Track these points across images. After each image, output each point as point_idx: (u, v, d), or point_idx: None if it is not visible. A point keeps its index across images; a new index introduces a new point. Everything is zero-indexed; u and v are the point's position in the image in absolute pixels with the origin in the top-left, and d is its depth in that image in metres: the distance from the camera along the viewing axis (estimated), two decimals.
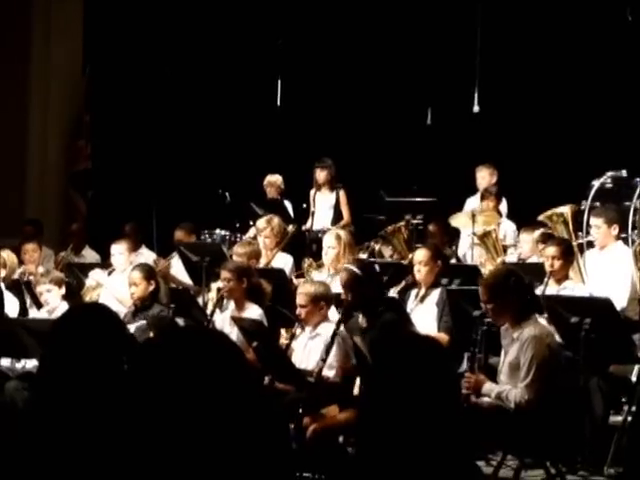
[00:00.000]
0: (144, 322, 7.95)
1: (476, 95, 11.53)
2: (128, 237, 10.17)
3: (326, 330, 7.05)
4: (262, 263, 9.32)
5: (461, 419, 2.37)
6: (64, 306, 8.19)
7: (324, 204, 11.33)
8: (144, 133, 13.26)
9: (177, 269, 9.97)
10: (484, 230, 9.70)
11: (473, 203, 10.97)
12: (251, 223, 10.91)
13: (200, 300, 8.87)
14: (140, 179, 12.96)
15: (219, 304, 7.93)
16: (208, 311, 8.30)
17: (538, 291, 7.61)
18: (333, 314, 7.44)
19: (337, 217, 11.28)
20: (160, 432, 1.86)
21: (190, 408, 1.86)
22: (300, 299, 7.11)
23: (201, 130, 13.51)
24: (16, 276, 9.83)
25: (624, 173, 8.97)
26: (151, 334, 7.62)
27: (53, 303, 8.41)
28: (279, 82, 13.11)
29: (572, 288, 7.71)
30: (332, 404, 6.68)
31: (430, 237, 10.01)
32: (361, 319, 7.16)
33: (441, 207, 10.58)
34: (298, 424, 6.44)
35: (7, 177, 12.92)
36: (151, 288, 8.21)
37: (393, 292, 8.18)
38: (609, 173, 8.97)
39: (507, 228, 10.41)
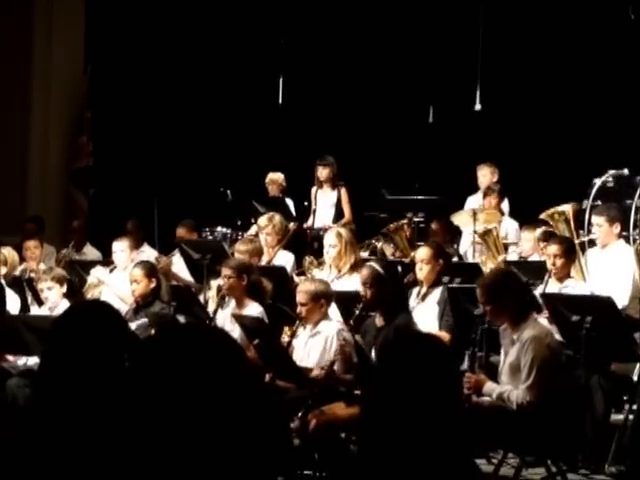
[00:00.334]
0: (145, 320, 7.95)
1: (478, 93, 11.53)
2: (130, 234, 10.17)
3: (326, 328, 7.05)
4: (264, 261, 9.33)
5: (463, 418, 2.37)
6: (65, 304, 8.17)
7: (325, 202, 11.32)
8: (146, 130, 13.26)
9: (178, 267, 9.97)
10: (485, 228, 9.70)
11: (474, 201, 10.97)
12: (252, 221, 10.91)
13: (201, 298, 8.87)
14: (142, 176, 12.96)
15: (221, 302, 7.93)
16: (209, 309, 8.30)
17: (539, 289, 7.62)
18: (334, 312, 7.45)
19: (338, 215, 11.27)
20: (161, 429, 1.86)
21: (191, 405, 1.86)
22: (300, 297, 7.10)
23: (203, 128, 13.51)
24: (17, 273, 9.83)
25: (626, 172, 8.97)
26: (152, 332, 7.62)
27: (53, 300, 8.40)
28: (281, 80, 13.11)
29: (573, 286, 7.70)
30: (340, 400, 6.66)
31: (432, 235, 10.01)
32: (378, 318, 7.13)
33: (442, 205, 10.58)
34: (303, 420, 6.42)
35: (9, 174, 12.93)
36: (152, 286, 8.21)
37: None
38: (611, 171, 8.97)
39: (508, 226, 10.42)
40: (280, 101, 13.08)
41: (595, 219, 8.30)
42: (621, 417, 7.13)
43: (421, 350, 2.40)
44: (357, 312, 7.04)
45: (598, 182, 8.92)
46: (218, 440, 1.87)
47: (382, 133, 12.76)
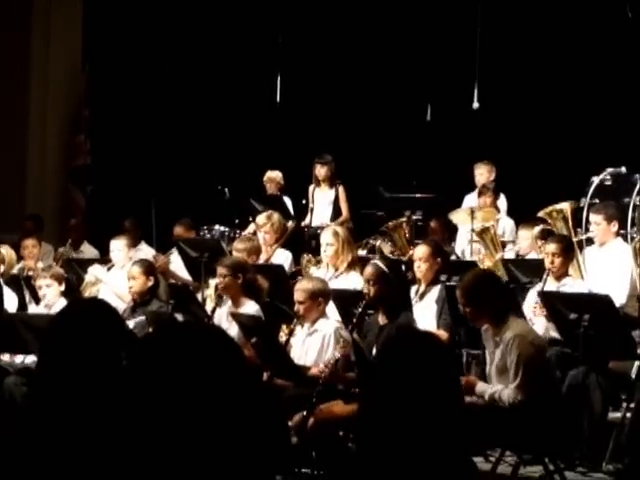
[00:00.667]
0: (143, 318, 7.95)
1: (476, 92, 11.53)
2: (127, 233, 10.16)
3: (324, 326, 7.05)
4: (262, 259, 9.32)
5: (461, 416, 2.37)
6: (62, 302, 8.18)
7: (323, 200, 11.32)
8: (143, 129, 13.26)
9: (176, 265, 9.96)
10: (483, 226, 9.70)
11: (472, 200, 10.98)
12: (250, 219, 10.91)
13: (199, 296, 8.87)
14: (139, 175, 12.95)
15: (219, 300, 7.92)
16: (207, 307, 8.30)
17: (537, 287, 7.63)
18: (331, 310, 7.44)
19: (336, 213, 11.26)
20: (158, 427, 1.86)
21: (188, 403, 1.86)
22: (298, 295, 7.10)
23: (201, 126, 13.51)
24: (15, 271, 9.83)
25: (623, 170, 8.98)
26: (150, 330, 7.62)
27: (51, 298, 8.40)
28: (279, 78, 13.10)
29: (571, 285, 7.71)
30: (338, 398, 6.66)
31: (431, 234, 10.01)
32: (380, 316, 7.13)
33: (440, 203, 10.58)
34: (307, 417, 6.41)
35: (7, 173, 12.91)
36: (150, 284, 8.21)
37: None
38: (608, 170, 8.98)
39: (506, 224, 10.43)
40: (278, 99, 13.07)
41: (593, 217, 8.31)
42: (619, 415, 7.13)
43: (420, 348, 2.40)
44: (359, 310, 7.03)
45: (596, 180, 8.92)
46: (216, 438, 1.87)
47: (380, 131, 12.75)
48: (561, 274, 7.73)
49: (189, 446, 1.85)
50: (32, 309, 8.89)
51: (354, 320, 7.04)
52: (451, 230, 10.59)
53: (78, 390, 2.61)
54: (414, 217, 10.39)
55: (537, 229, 8.91)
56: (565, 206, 8.84)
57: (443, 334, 7.37)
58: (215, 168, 12.93)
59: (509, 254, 9.46)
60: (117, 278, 9.06)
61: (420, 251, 7.98)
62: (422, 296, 7.86)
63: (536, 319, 7.38)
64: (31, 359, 7.78)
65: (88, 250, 11.18)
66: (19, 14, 13.02)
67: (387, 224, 10.19)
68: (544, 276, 7.65)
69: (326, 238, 8.62)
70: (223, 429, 1.87)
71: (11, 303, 8.81)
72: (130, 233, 10.25)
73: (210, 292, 8.68)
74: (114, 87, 13.44)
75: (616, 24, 11.09)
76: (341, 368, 6.79)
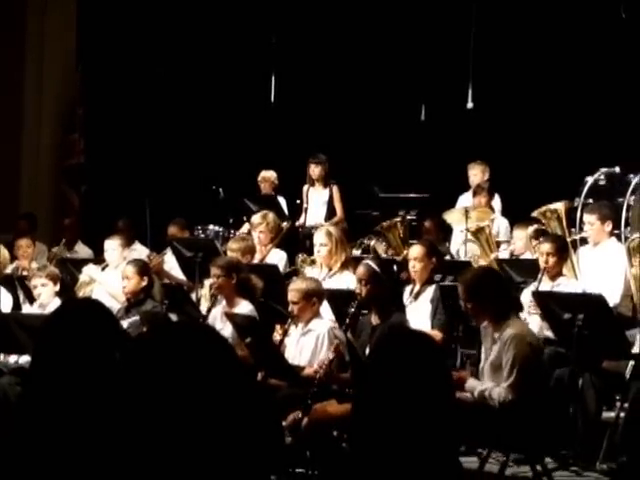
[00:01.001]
0: (137, 318, 7.94)
1: (470, 91, 11.54)
2: (121, 232, 10.15)
3: (318, 326, 7.06)
4: (256, 259, 9.32)
5: (454, 417, 2.37)
6: (57, 302, 8.18)
7: (317, 200, 11.32)
8: (138, 128, 13.25)
9: (170, 265, 9.96)
10: (477, 226, 9.71)
11: (466, 200, 10.98)
12: (245, 219, 10.90)
13: (194, 296, 8.86)
14: (133, 174, 12.95)
15: (213, 300, 7.92)
16: (202, 307, 8.29)
17: (532, 287, 7.63)
18: (325, 310, 7.45)
19: (330, 213, 11.26)
20: (153, 427, 1.86)
21: (182, 403, 1.86)
22: (292, 295, 7.10)
23: (195, 126, 13.50)
24: (9, 271, 9.82)
25: (617, 170, 8.98)
26: (144, 330, 7.61)
27: (45, 298, 8.40)
28: (273, 78, 13.11)
29: (565, 284, 7.71)
30: (332, 398, 6.66)
31: (425, 233, 10.02)
32: (373, 316, 7.14)
33: (434, 203, 10.59)
34: (301, 417, 6.41)
35: (0, 172, 12.90)
36: (143, 283, 8.21)
37: None
38: (602, 170, 8.98)
39: (500, 224, 10.44)
40: (272, 99, 13.08)
41: (587, 217, 8.32)
42: (613, 415, 7.14)
43: (414, 348, 2.40)
44: (353, 309, 7.04)
45: (590, 180, 8.93)
46: (210, 439, 1.87)
47: (374, 131, 12.75)
48: (556, 274, 7.74)
49: (183, 446, 1.85)
50: (26, 309, 8.88)
51: (347, 320, 7.04)
52: (446, 230, 10.59)
53: (72, 390, 2.60)
54: (408, 217, 10.39)
55: (531, 229, 8.92)
56: (559, 206, 8.85)
57: (437, 334, 7.38)
58: (209, 168, 12.93)
59: (503, 254, 9.47)
60: (111, 278, 9.05)
61: (415, 251, 7.98)
62: (417, 296, 7.87)
63: (530, 318, 7.39)
64: (25, 359, 7.78)
65: (82, 250, 11.17)
66: (14, 14, 13.01)
67: (381, 224, 10.19)
68: (539, 276, 7.66)
69: (319, 238, 8.61)
70: (217, 429, 1.87)
71: (5, 303, 8.80)
72: (124, 233, 10.24)
73: (204, 292, 8.68)
74: (108, 87, 13.43)
75: (610, 25, 11.10)
76: (335, 368, 6.79)
